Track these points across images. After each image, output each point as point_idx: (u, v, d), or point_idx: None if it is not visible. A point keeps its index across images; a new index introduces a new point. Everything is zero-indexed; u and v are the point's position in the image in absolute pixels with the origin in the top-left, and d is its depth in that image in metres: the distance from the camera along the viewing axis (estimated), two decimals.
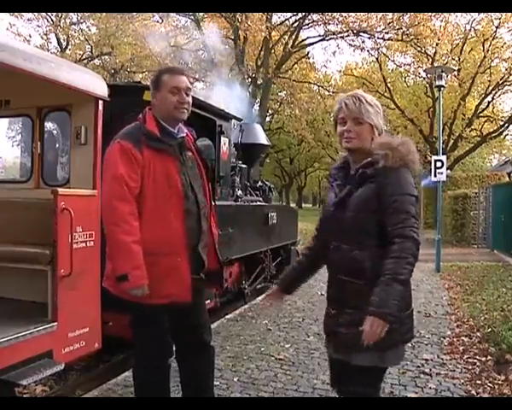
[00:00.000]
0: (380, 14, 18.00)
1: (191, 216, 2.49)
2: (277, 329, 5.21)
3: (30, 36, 20.46)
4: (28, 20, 19.50)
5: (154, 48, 17.82)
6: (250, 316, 5.74)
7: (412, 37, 18.73)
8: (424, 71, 16.83)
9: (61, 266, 3.06)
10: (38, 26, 20.23)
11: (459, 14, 19.32)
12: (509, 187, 12.80)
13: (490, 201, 14.39)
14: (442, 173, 9.48)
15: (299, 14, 18.50)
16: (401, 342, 2.10)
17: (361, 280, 2.01)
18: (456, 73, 19.72)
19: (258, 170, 8.47)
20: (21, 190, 3.91)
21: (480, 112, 22.76)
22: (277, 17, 19.25)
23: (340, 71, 27.18)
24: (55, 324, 3.05)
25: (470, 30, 20.52)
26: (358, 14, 17.72)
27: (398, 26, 18.40)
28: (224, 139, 5.67)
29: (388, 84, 22.80)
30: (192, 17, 18.80)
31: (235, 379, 3.76)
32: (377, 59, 22.20)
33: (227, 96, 9.02)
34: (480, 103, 22.47)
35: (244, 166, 7.10)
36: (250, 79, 19.46)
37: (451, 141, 22.47)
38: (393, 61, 23.39)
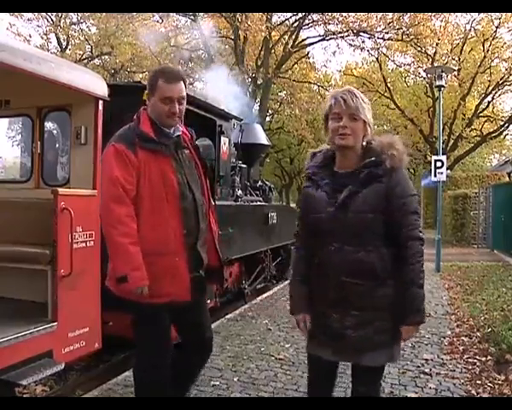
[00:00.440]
0: (380, 14, 17.97)
1: (189, 215, 2.48)
2: (277, 329, 5.20)
3: (30, 36, 20.38)
4: (28, 20, 19.50)
5: (154, 48, 17.81)
6: (250, 316, 5.74)
7: (412, 37, 18.69)
8: (424, 71, 16.82)
9: (61, 266, 3.07)
10: (38, 26, 20.27)
11: (459, 14, 19.37)
12: (509, 187, 12.80)
13: (490, 201, 14.40)
14: (442, 173, 9.49)
15: (299, 14, 18.46)
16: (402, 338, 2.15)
17: (369, 281, 2.01)
18: (456, 72, 19.72)
19: (258, 170, 8.47)
20: (21, 189, 3.91)
21: (480, 112, 22.78)
22: (277, 17, 19.23)
23: (340, 71, 27.12)
24: (55, 324, 3.05)
25: (470, 30, 20.55)
26: (358, 14, 17.69)
27: (398, 26, 18.36)
28: (224, 139, 5.67)
29: (388, 84, 22.81)
30: (192, 17, 18.78)
31: (235, 379, 3.76)
32: (377, 59, 22.19)
33: (227, 95, 9.01)
34: (480, 103, 22.49)
35: (244, 166, 7.11)
36: (250, 79, 19.44)
37: (451, 141, 22.49)
38: (393, 61, 23.44)
